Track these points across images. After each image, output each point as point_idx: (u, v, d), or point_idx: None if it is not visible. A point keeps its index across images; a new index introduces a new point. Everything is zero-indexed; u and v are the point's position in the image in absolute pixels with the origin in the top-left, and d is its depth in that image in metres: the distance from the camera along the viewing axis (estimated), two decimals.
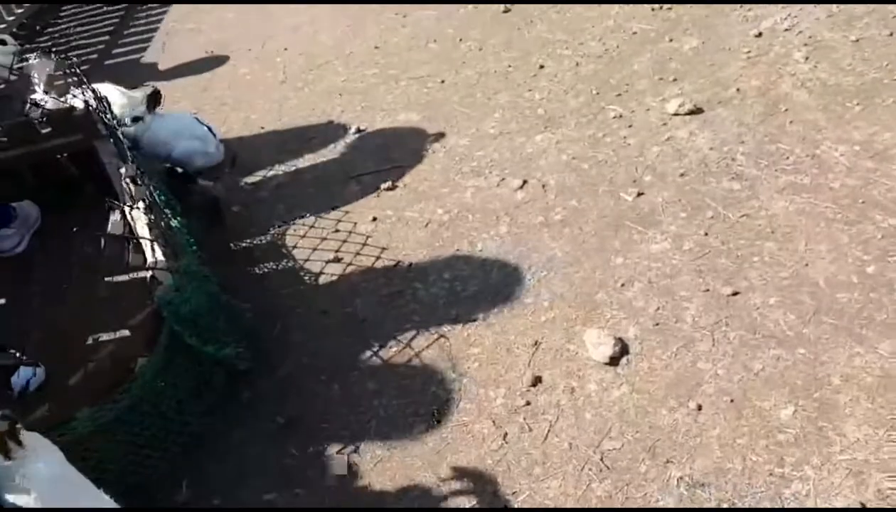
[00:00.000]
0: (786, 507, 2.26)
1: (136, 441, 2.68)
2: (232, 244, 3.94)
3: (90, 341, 2.70)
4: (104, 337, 2.70)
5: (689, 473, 2.44)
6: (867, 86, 3.91)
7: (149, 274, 2.83)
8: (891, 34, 4.26)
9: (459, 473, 2.58)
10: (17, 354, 2.66)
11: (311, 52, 5.92)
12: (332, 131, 4.78)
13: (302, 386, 3.07)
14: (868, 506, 2.22)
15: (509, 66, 5.02)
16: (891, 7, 4.41)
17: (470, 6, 5.90)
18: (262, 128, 5.01)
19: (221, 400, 2.99)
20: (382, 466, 2.69)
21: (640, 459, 2.52)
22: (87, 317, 2.90)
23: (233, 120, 5.20)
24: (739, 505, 2.31)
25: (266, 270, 3.73)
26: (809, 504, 2.26)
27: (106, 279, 2.90)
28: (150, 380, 2.66)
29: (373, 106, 4.95)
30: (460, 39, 5.52)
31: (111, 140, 3.75)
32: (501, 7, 5.75)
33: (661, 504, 2.38)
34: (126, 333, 2.68)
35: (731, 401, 2.62)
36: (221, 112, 5.31)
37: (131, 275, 2.95)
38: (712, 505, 2.33)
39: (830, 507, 2.22)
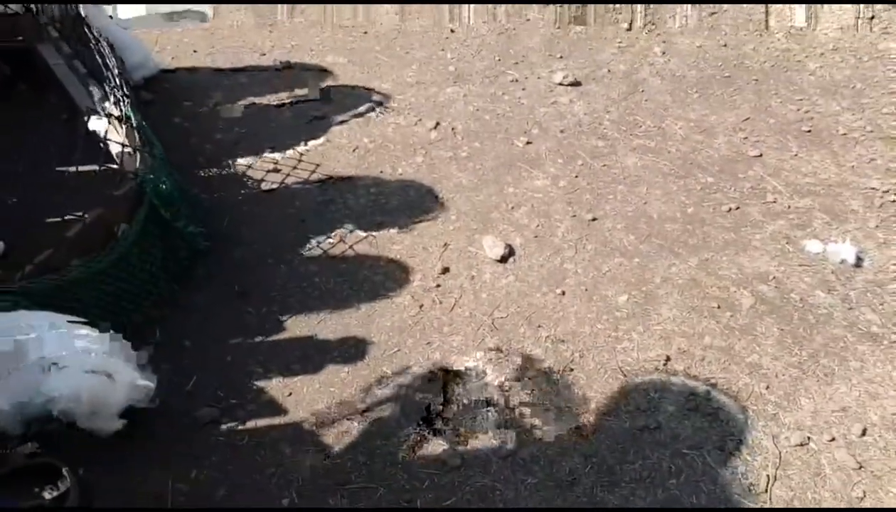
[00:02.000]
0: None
1: (116, 292, 3.20)
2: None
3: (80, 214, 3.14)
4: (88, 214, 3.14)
5: (553, 334, 3.37)
6: (704, 79, 5.07)
7: (133, 156, 3.33)
8: (724, 45, 5.46)
9: (386, 329, 3.36)
10: None
11: None
12: (263, 65, 5.30)
13: (253, 266, 3.69)
14: (670, 355, 3.25)
15: (422, 28, 5.73)
16: (726, 24, 5.63)
17: None
18: (195, 50, 5.41)
19: (185, 272, 3.55)
20: (324, 324, 3.41)
21: (520, 324, 3.43)
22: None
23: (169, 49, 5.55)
24: (588, 356, 3.27)
25: (211, 174, 4.26)
26: (633, 343, 3.26)
27: (80, 168, 3.31)
28: (131, 242, 3.19)
29: (301, 46, 5.50)
30: None
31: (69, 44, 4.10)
32: None
33: (532, 354, 3.30)
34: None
35: (586, 290, 3.59)
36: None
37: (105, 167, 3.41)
38: (568, 354, 3.28)
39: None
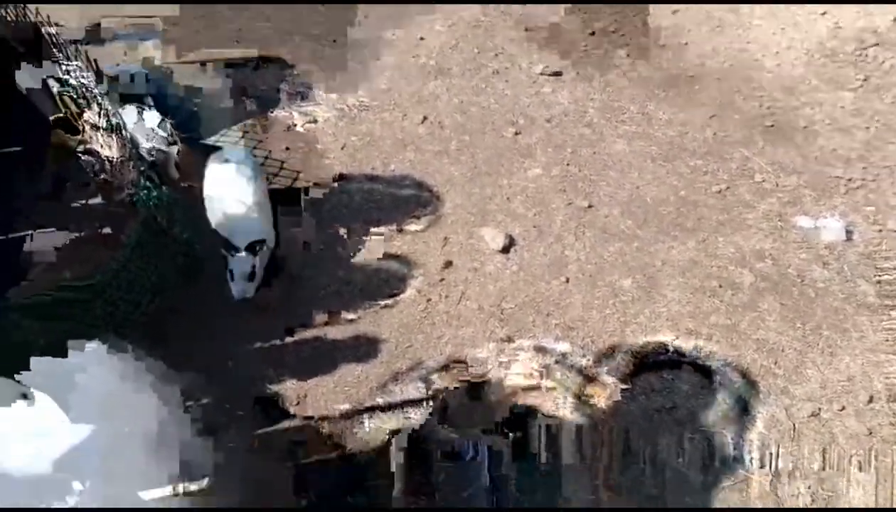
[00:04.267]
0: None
1: (116, 303, 3.09)
2: None
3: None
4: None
5: (563, 321, 3.38)
6: (669, 77, 5.09)
7: (125, 167, 3.22)
8: (685, 43, 5.48)
9: (396, 326, 3.32)
10: None
11: None
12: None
13: None
14: (679, 336, 3.28)
15: (393, 34, 5.57)
16: (678, 24, 5.70)
17: None
18: None
19: (183, 279, 3.44)
20: (332, 325, 3.36)
21: (529, 313, 3.43)
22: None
23: None
24: (599, 341, 3.29)
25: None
26: (642, 326, 3.29)
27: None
28: (128, 253, 3.09)
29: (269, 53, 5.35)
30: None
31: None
32: None
33: (543, 342, 3.30)
34: None
35: (590, 276, 3.61)
36: None
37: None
38: (579, 340, 3.29)
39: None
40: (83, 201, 3.16)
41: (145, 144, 3.76)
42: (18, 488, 1.91)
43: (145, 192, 3.17)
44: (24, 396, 2.13)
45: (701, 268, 3.64)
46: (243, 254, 3.20)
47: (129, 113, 3.93)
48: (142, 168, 3.18)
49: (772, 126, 4.56)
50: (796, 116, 4.61)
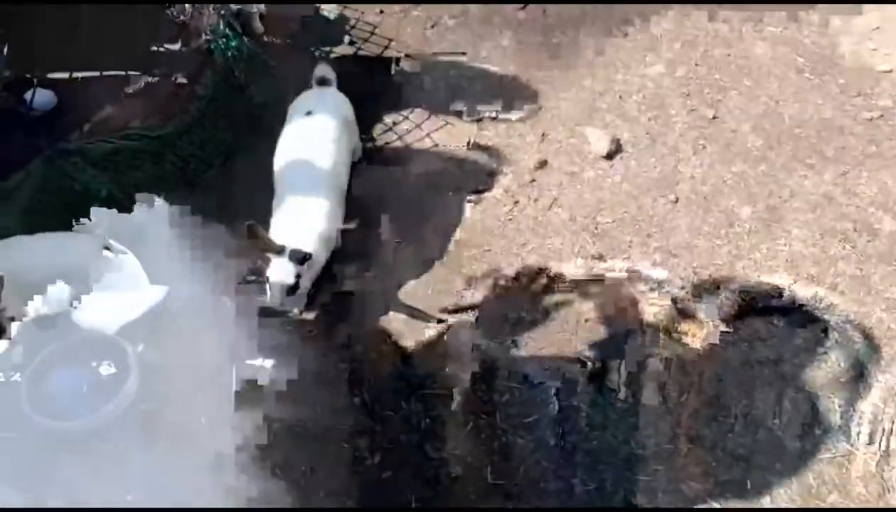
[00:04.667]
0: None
1: (182, 160, 2.91)
2: None
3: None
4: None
5: (664, 246, 3.01)
6: None
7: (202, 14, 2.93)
8: None
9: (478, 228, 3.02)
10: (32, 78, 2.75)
11: None
12: None
13: None
14: (798, 281, 2.85)
15: None
16: None
17: None
18: None
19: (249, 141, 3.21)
20: (405, 218, 3.09)
21: (627, 232, 3.06)
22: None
23: None
24: (704, 273, 2.90)
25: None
26: (756, 263, 2.88)
27: None
28: (203, 107, 2.86)
29: None
30: None
31: None
32: None
33: (638, 266, 2.94)
34: None
35: (705, 198, 3.17)
36: None
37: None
38: (680, 270, 2.91)
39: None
40: (159, 46, 2.89)
41: None
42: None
43: (224, 40, 2.89)
44: (108, 248, 1.96)
45: (835, 206, 3.14)
46: (285, 259, 2.54)
47: None
48: (222, 12, 2.88)
49: None
50: None
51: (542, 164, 3.30)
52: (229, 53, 2.96)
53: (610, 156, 3.31)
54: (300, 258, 2.53)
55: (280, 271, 2.53)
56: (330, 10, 3.95)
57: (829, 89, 3.62)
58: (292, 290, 2.58)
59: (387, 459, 2.55)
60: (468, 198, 3.20)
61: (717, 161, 3.31)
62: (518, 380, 2.64)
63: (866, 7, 3.92)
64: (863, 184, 3.23)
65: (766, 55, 3.79)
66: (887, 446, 2.51)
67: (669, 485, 2.47)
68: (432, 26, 4.00)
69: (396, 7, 4.06)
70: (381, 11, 4.05)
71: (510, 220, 3.10)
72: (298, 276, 2.55)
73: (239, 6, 3.44)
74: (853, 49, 3.75)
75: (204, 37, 2.92)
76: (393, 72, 3.68)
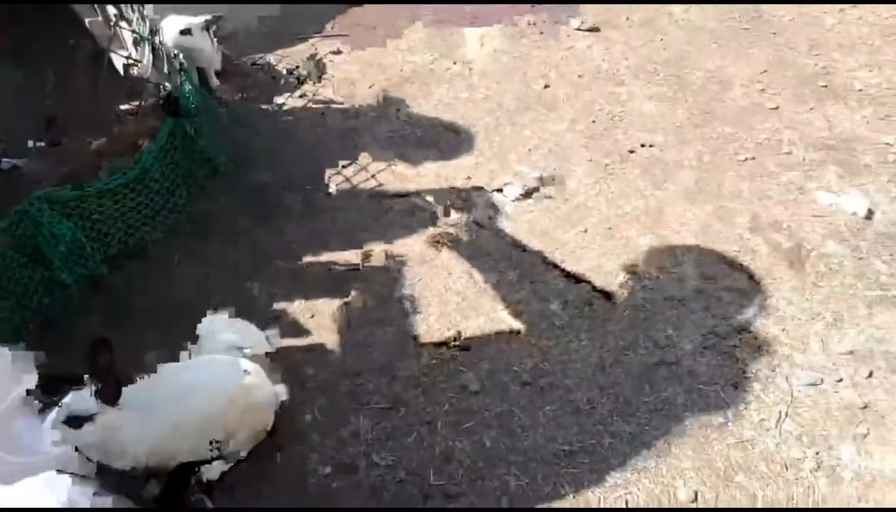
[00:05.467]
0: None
1: (136, 207, 3.18)
2: None
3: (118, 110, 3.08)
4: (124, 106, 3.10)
5: (577, 271, 3.43)
6: (723, 29, 5.04)
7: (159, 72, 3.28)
8: None
9: (407, 259, 3.39)
10: None
11: None
12: None
13: (274, 191, 3.71)
14: (689, 296, 3.31)
15: None
16: None
17: None
18: None
19: (204, 192, 3.51)
20: (345, 250, 3.43)
21: (541, 260, 3.47)
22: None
23: None
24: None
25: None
26: (653, 281, 3.33)
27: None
28: (153, 157, 3.16)
29: None
30: None
31: None
32: None
33: (553, 292, 3.34)
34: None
35: (609, 228, 3.64)
36: None
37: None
38: (589, 289, 3.33)
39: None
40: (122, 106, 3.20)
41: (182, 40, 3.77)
42: None
43: (177, 97, 3.22)
44: None
45: (716, 232, 3.65)
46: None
47: (172, 21, 3.97)
48: (178, 67, 3.22)
49: (825, 86, 4.50)
50: (852, 78, 4.53)
51: (465, 203, 3.72)
52: (186, 105, 3.27)
53: (526, 196, 3.75)
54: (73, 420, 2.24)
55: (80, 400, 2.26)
56: (282, 65, 4.39)
57: (709, 137, 4.22)
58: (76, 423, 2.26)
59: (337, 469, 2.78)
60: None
61: (616, 199, 3.80)
62: (456, 390, 2.94)
63: (755, 53, 4.62)
64: (739, 214, 3.77)
65: (654, 111, 4.39)
66: (781, 429, 2.91)
67: (593, 475, 2.79)
68: (370, 87, 4.46)
69: (335, 72, 4.52)
70: (322, 75, 4.49)
71: (438, 255, 3.46)
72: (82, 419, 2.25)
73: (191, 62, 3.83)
74: (744, 91, 4.41)
75: (157, 93, 3.23)
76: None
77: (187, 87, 3.35)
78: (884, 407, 2.98)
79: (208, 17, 4.06)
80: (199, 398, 2.42)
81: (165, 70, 3.30)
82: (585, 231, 3.61)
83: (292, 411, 2.83)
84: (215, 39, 4.11)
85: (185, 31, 3.94)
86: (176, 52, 3.62)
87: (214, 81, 4.02)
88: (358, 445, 2.80)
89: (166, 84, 3.26)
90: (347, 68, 4.53)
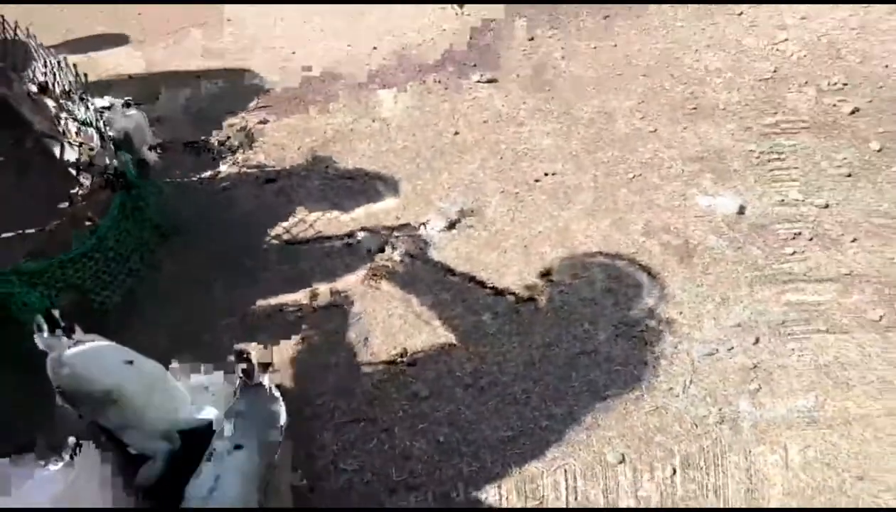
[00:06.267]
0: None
1: (95, 274, 3.47)
2: None
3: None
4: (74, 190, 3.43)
5: (500, 286, 3.89)
6: (600, 76, 5.78)
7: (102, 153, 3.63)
8: (615, 45, 6.22)
9: (348, 299, 3.78)
10: None
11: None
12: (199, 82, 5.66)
13: (218, 252, 4.05)
14: (600, 295, 3.83)
15: (348, 45, 6.22)
16: (617, 29, 6.43)
17: None
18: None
19: (154, 258, 3.83)
20: (290, 299, 3.80)
21: (470, 282, 3.93)
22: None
23: None
24: (532, 299, 3.81)
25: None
26: (568, 287, 3.83)
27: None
28: (106, 228, 3.49)
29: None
30: (304, 21, 6.67)
31: None
32: None
33: (483, 305, 3.80)
34: None
35: (525, 247, 4.15)
36: None
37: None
38: (513, 299, 3.80)
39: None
40: (73, 191, 3.52)
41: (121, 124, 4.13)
42: None
43: (122, 177, 3.57)
44: None
45: (615, 241, 4.21)
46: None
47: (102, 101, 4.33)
48: (119, 145, 3.58)
49: (694, 109, 5.24)
50: (715, 100, 5.31)
51: (397, 240, 4.15)
52: (130, 184, 3.62)
53: (447, 229, 4.23)
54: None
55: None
56: (213, 139, 4.80)
57: (601, 161, 4.85)
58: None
59: (309, 479, 3.09)
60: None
61: (528, 222, 4.33)
62: (408, 398, 3.32)
63: (631, 89, 5.34)
64: (633, 223, 4.36)
65: (551, 145, 5.00)
66: (688, 394, 3.40)
67: (535, 453, 3.20)
68: (297, 149, 4.91)
69: (264, 139, 4.95)
70: (252, 144, 4.90)
71: (375, 290, 3.87)
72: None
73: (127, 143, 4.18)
74: (626, 120, 5.10)
75: (101, 175, 3.57)
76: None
77: (130, 164, 3.70)
78: (770, 366, 3.53)
79: (128, 97, 4.44)
80: None
81: (111, 148, 3.64)
82: (505, 252, 4.10)
83: None
84: (146, 117, 4.47)
85: (107, 108, 4.28)
86: (115, 131, 3.98)
87: (151, 157, 4.38)
88: (326, 457, 3.12)
89: (112, 162, 3.59)
90: (276, 135, 4.97)
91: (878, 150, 4.93)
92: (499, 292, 3.88)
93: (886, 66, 5.71)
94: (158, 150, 4.45)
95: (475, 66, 5.97)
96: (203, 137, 4.92)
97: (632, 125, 5.17)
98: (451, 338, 3.62)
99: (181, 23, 6.57)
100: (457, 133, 5.09)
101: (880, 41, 6.01)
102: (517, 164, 4.80)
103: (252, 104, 5.36)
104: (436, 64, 5.96)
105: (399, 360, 3.52)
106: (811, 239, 4.25)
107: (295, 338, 3.63)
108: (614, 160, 4.85)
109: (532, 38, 6.35)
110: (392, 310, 3.79)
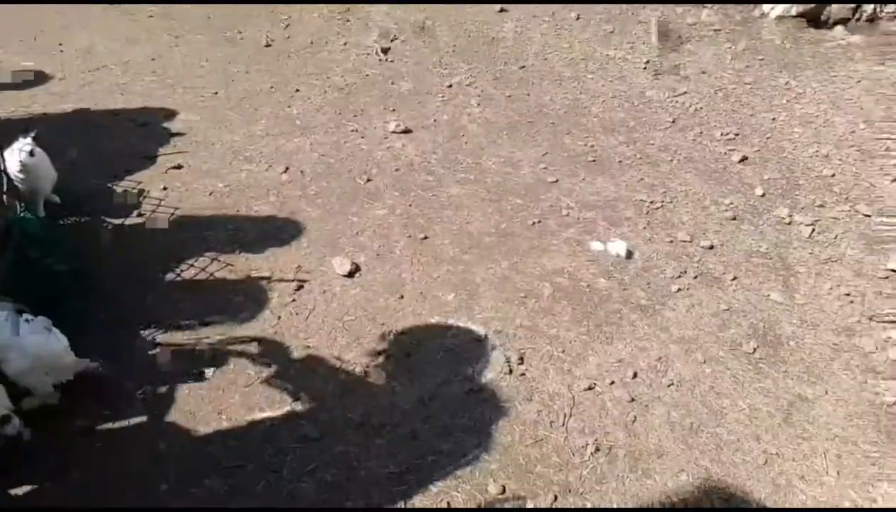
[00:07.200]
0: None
1: None
2: None
3: None
4: None
5: (395, 329, 4.07)
6: (512, 123, 6.12)
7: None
8: (528, 94, 6.60)
9: (258, 340, 3.91)
10: None
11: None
12: (117, 122, 5.76)
13: (123, 297, 4.12)
14: (488, 335, 4.04)
15: (271, 87, 6.47)
16: (524, 77, 6.82)
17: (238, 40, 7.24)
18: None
19: (55, 306, 3.88)
20: (195, 342, 3.90)
21: (367, 326, 4.10)
22: None
23: None
24: (424, 343, 3.99)
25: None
26: (460, 330, 4.03)
27: None
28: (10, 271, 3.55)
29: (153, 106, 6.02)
30: (229, 63, 6.84)
31: None
32: (264, 41, 7.22)
33: (378, 348, 3.97)
34: None
35: (421, 293, 4.34)
36: None
37: None
38: (408, 342, 3.98)
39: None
40: None
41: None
42: None
43: (19, 223, 3.65)
44: None
45: (511, 283, 4.45)
46: None
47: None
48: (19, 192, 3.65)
49: (593, 161, 5.58)
50: (613, 153, 5.67)
51: (300, 287, 4.31)
52: (28, 231, 3.70)
53: (351, 274, 4.41)
54: None
55: None
56: (124, 184, 4.91)
57: (504, 209, 5.12)
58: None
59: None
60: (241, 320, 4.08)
61: (428, 267, 4.54)
62: (299, 440, 3.45)
63: (539, 139, 5.67)
64: (529, 266, 4.61)
65: (460, 193, 5.26)
66: (567, 426, 3.61)
67: (420, 487, 3.33)
68: (209, 195, 5.04)
69: (178, 183, 5.08)
70: (165, 188, 5.03)
71: (276, 332, 4.00)
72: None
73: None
74: (531, 170, 5.40)
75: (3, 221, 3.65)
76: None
77: (29, 212, 3.78)
78: (646, 398, 3.78)
79: (32, 133, 4.30)
80: None
81: (10, 194, 3.72)
82: (402, 297, 4.29)
83: (146, 483, 3.21)
84: (49, 161, 4.49)
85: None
86: (15, 176, 4.04)
87: (54, 199, 4.47)
88: (211, 501, 3.19)
89: (15, 207, 3.67)
90: (188, 180, 5.09)
91: (762, 196, 5.34)
92: (395, 336, 4.04)
93: (773, 120, 6.19)
94: (63, 195, 4.51)
95: (394, 110, 6.24)
96: (115, 178, 5.01)
97: (535, 175, 5.48)
98: (344, 381, 3.75)
99: (102, 61, 6.70)
100: (369, 180, 5.31)
101: (769, 96, 6.53)
102: (425, 211, 5.01)
103: (167, 146, 5.48)
104: (354, 111, 6.20)
105: (292, 402, 3.63)
106: (695, 277, 4.56)
107: (191, 384, 3.71)
108: (517, 208, 5.12)
109: (450, 86, 6.67)
110: (289, 354, 3.91)
